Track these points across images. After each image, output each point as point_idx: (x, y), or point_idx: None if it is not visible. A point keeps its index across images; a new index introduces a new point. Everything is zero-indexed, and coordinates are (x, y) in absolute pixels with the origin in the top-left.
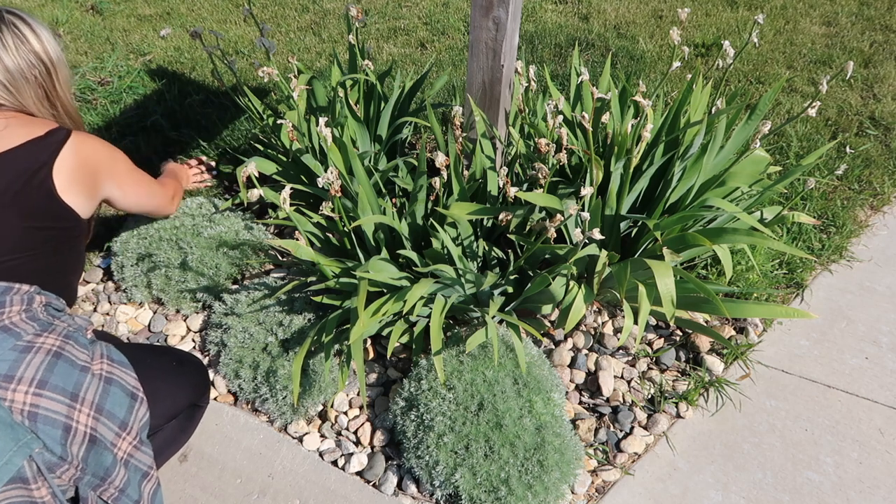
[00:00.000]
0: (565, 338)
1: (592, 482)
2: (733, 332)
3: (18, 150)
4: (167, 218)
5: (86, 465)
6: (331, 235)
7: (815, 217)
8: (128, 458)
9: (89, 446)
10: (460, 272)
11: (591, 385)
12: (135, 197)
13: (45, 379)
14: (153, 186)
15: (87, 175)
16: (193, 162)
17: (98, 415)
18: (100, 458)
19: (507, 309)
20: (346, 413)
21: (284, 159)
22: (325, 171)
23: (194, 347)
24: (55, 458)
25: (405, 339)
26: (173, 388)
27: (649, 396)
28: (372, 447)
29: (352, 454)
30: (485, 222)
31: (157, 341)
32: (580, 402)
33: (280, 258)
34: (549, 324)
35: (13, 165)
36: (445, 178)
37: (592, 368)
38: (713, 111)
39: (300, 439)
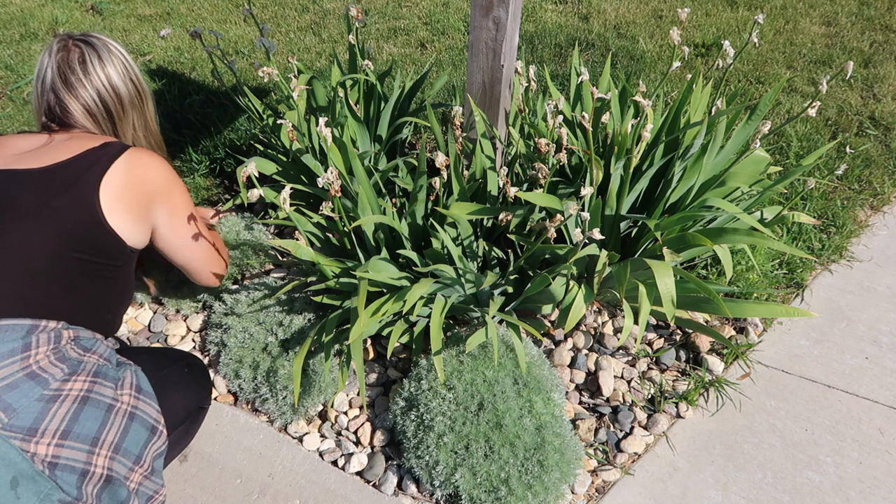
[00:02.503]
0: (565, 338)
1: (592, 482)
2: (733, 332)
3: (68, 161)
4: (207, 286)
5: (100, 502)
6: (331, 235)
7: (815, 217)
8: (138, 488)
9: (104, 485)
10: (460, 272)
11: (591, 385)
12: (183, 236)
13: (68, 429)
14: (205, 234)
15: (138, 194)
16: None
17: (115, 454)
18: (114, 493)
19: (507, 309)
20: (346, 413)
21: (284, 159)
22: (325, 171)
23: (194, 347)
24: (70, 498)
25: (405, 339)
26: (186, 398)
27: (649, 396)
28: (372, 447)
29: (352, 454)
30: (485, 222)
31: (157, 341)
32: (580, 402)
33: (280, 258)
34: (549, 324)
35: (58, 177)
36: (445, 178)
37: (592, 368)
38: (713, 111)
39: (300, 439)
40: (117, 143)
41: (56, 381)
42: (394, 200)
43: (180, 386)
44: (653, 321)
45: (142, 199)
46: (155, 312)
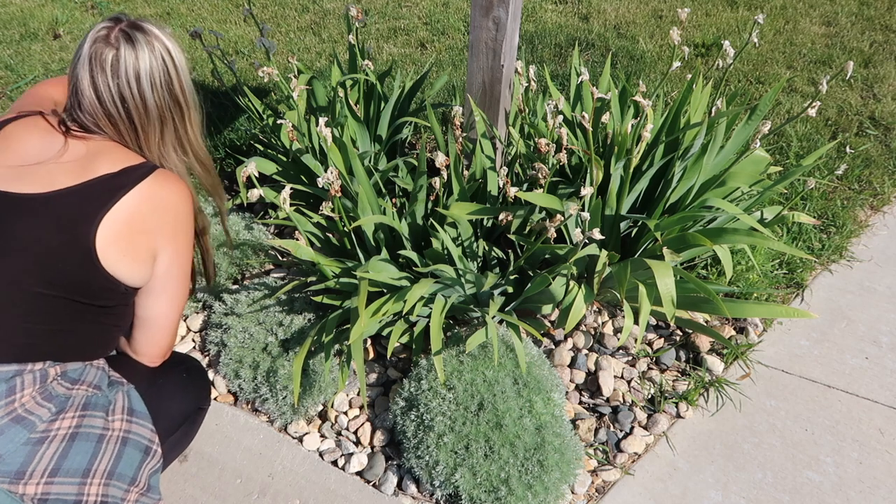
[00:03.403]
0: (565, 338)
1: (592, 482)
2: (733, 332)
3: (73, 189)
4: (145, 359)
5: None
6: (331, 235)
7: (815, 217)
8: None
9: None
10: (460, 272)
11: (591, 385)
12: (169, 285)
13: (57, 467)
14: (184, 302)
15: (143, 234)
16: None
17: (109, 480)
18: None
19: (507, 309)
20: (346, 413)
21: (284, 159)
22: (325, 171)
23: (194, 347)
24: None
25: (405, 339)
26: (183, 404)
27: (649, 396)
28: (372, 447)
29: (352, 454)
30: (485, 222)
31: None
32: (580, 402)
33: (280, 258)
34: (549, 324)
35: (56, 210)
36: (445, 178)
37: (592, 368)
38: (713, 111)
39: (300, 439)
40: (137, 169)
41: (43, 422)
42: (394, 200)
43: (178, 392)
44: (653, 321)
45: (148, 240)
46: None
